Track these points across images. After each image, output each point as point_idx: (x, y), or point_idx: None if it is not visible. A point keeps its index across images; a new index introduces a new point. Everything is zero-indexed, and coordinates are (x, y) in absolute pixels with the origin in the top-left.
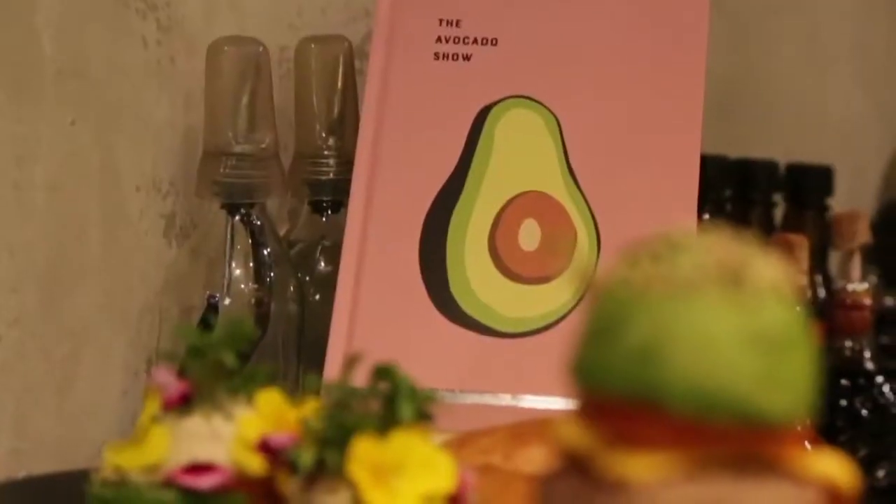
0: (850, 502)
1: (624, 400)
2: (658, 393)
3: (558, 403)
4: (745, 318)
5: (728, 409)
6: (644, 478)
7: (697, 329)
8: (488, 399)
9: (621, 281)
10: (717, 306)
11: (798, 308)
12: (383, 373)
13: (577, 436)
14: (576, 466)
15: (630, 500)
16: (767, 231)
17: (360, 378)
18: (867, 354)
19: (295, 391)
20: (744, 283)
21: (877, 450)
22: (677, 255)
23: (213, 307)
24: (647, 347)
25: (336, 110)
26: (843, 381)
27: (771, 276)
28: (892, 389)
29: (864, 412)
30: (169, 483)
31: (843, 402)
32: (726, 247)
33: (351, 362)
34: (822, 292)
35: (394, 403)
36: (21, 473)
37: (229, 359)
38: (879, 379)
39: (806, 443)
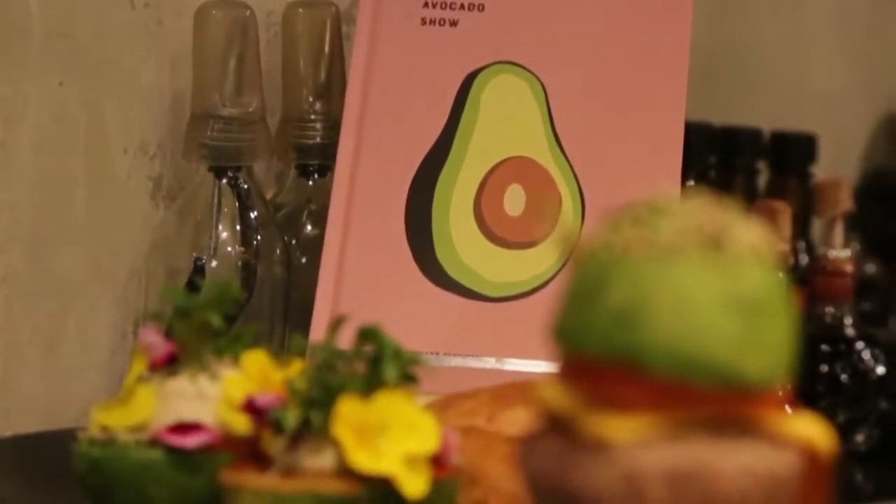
0: (827, 465)
1: (604, 362)
2: (638, 355)
3: (542, 367)
4: (725, 282)
5: (707, 372)
6: (624, 439)
7: (677, 292)
8: (472, 362)
9: (603, 244)
10: (698, 270)
11: (778, 273)
12: (368, 335)
13: (558, 397)
14: (557, 427)
15: (610, 460)
16: (751, 198)
17: (345, 340)
18: (848, 321)
19: (281, 353)
20: (725, 248)
21: (856, 415)
22: (659, 219)
23: (199, 269)
24: (627, 310)
25: (323, 75)
26: (824, 347)
27: (752, 240)
28: (872, 356)
29: (844, 378)
30: (155, 442)
31: (824, 368)
32: (708, 212)
33: (336, 324)
34: (804, 259)
35: (378, 365)
36: (8, 433)
37: (215, 320)
38: (860, 345)
39: (785, 406)
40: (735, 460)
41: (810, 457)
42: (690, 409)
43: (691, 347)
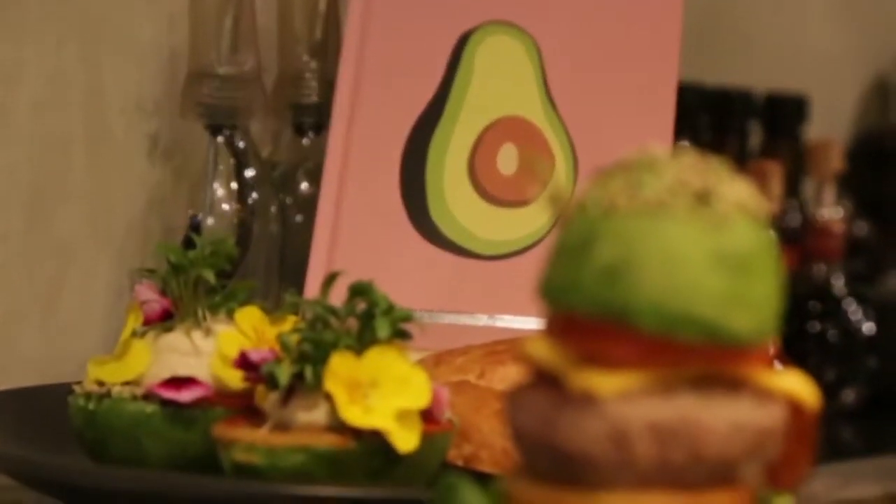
0: (813, 419)
1: (592, 318)
2: (626, 311)
3: (534, 324)
4: (713, 238)
5: (694, 328)
6: (611, 393)
7: (665, 248)
8: (465, 319)
9: (591, 201)
10: (686, 226)
11: (766, 229)
12: (361, 291)
13: (546, 352)
14: (544, 382)
15: (597, 414)
16: (743, 158)
17: (338, 297)
18: (838, 280)
19: (274, 309)
20: (713, 204)
21: (845, 373)
22: (648, 176)
23: (195, 227)
24: (615, 266)
25: (318, 33)
26: (814, 306)
27: (740, 197)
28: (861, 314)
29: (833, 336)
30: (150, 396)
31: (813, 326)
32: (697, 169)
33: (329, 281)
34: (795, 218)
35: (371, 321)
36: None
37: (210, 276)
38: (849, 304)
39: (771, 363)
40: (722, 413)
41: (796, 411)
42: (678, 364)
43: (679, 303)
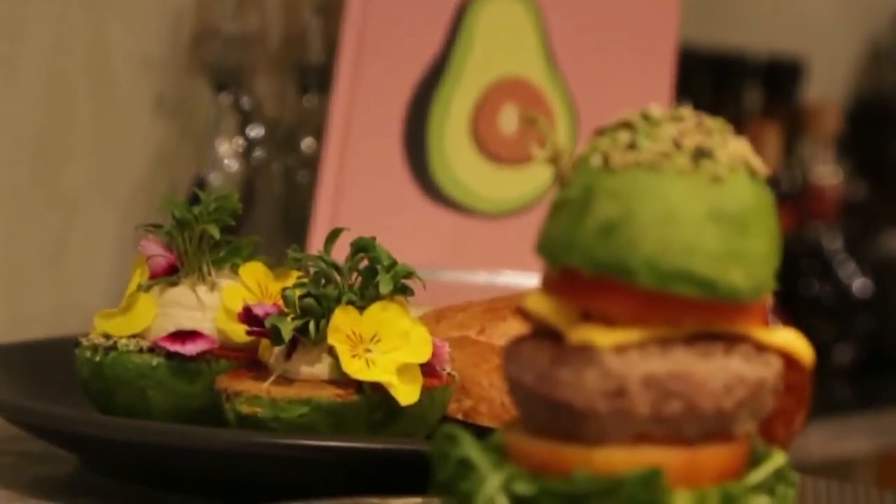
0: (808, 375)
1: (590, 274)
2: (623, 267)
3: (534, 281)
4: (710, 195)
5: (690, 284)
6: (608, 348)
7: (662, 205)
8: (466, 276)
9: (589, 158)
10: (683, 183)
11: (763, 187)
12: (363, 248)
13: (544, 308)
14: (542, 336)
15: (594, 366)
16: (741, 119)
17: (341, 253)
18: (833, 239)
19: (278, 264)
20: (710, 162)
21: (839, 330)
22: (646, 134)
23: (200, 183)
24: (612, 223)
25: None
26: (809, 264)
27: (738, 156)
28: (856, 273)
29: (828, 294)
30: (155, 349)
31: (808, 284)
32: (695, 128)
33: (332, 237)
34: (792, 179)
35: (373, 277)
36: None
37: (214, 232)
38: (844, 263)
39: (767, 318)
40: (718, 367)
41: (791, 366)
42: (675, 320)
43: (676, 259)
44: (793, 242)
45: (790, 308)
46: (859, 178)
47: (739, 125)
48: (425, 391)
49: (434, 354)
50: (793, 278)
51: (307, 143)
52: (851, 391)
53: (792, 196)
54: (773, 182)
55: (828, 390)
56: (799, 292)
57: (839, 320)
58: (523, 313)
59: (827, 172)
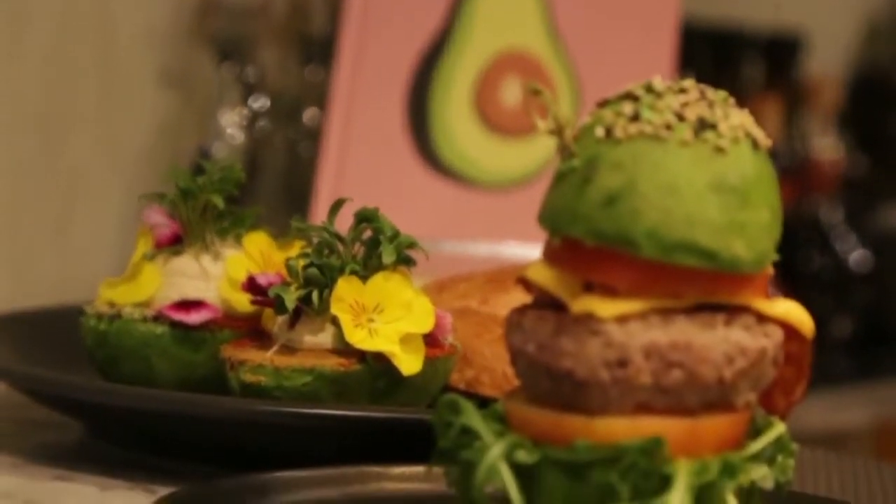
0: (808, 346)
1: (592, 244)
2: (625, 238)
3: (536, 252)
4: (711, 167)
5: (692, 254)
6: (610, 317)
7: (664, 176)
8: (469, 247)
9: (592, 130)
10: (685, 155)
11: (765, 159)
12: (366, 218)
13: (547, 278)
14: (546, 306)
15: (596, 337)
16: (742, 93)
17: (344, 223)
18: (833, 213)
19: (281, 234)
20: (712, 134)
21: (837, 304)
22: (649, 104)
23: (204, 154)
24: (614, 193)
25: None
26: (809, 238)
27: (739, 128)
28: (855, 246)
29: (827, 268)
30: (159, 318)
31: (807, 258)
32: (698, 99)
33: (335, 207)
34: (792, 152)
35: (376, 248)
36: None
37: (218, 201)
38: (844, 236)
39: (768, 289)
40: (719, 337)
41: (792, 337)
42: (677, 290)
43: (678, 230)
44: (793, 216)
45: (790, 281)
46: (859, 151)
47: (740, 99)
48: (428, 361)
49: (436, 324)
50: (793, 251)
51: (310, 115)
52: (850, 363)
53: (792, 170)
54: (773, 156)
55: (827, 363)
56: (799, 265)
57: (838, 293)
58: (525, 283)
59: (827, 146)
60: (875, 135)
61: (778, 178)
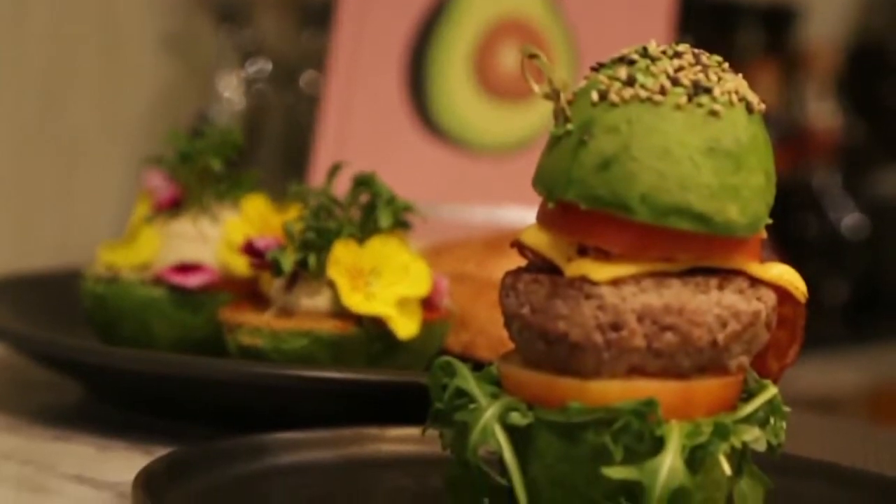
0: (801, 310)
1: (586, 207)
2: (619, 202)
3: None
4: (706, 131)
5: (686, 218)
6: (604, 281)
7: (659, 140)
8: (466, 212)
9: (587, 94)
10: (679, 118)
11: (759, 124)
12: (364, 182)
13: (542, 242)
14: (540, 270)
15: (590, 300)
16: (740, 59)
17: (341, 187)
18: (830, 179)
19: (279, 198)
20: (707, 99)
21: (833, 270)
22: (644, 68)
23: (203, 118)
24: (609, 158)
25: None
26: (805, 204)
27: (734, 91)
28: (850, 212)
29: (824, 234)
30: (158, 281)
31: (803, 224)
32: (693, 63)
33: (333, 172)
34: (790, 119)
35: (373, 211)
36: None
37: (216, 165)
38: (840, 203)
39: (761, 253)
40: (712, 301)
41: (785, 300)
42: (671, 254)
43: (672, 194)
44: (790, 182)
45: (787, 246)
46: (855, 119)
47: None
48: (424, 325)
49: (433, 288)
50: (789, 217)
51: (309, 79)
52: (845, 328)
53: (789, 136)
54: (770, 123)
55: (822, 327)
56: (795, 231)
57: (834, 258)
58: (520, 247)
59: (824, 114)
60: (871, 102)
61: (775, 145)
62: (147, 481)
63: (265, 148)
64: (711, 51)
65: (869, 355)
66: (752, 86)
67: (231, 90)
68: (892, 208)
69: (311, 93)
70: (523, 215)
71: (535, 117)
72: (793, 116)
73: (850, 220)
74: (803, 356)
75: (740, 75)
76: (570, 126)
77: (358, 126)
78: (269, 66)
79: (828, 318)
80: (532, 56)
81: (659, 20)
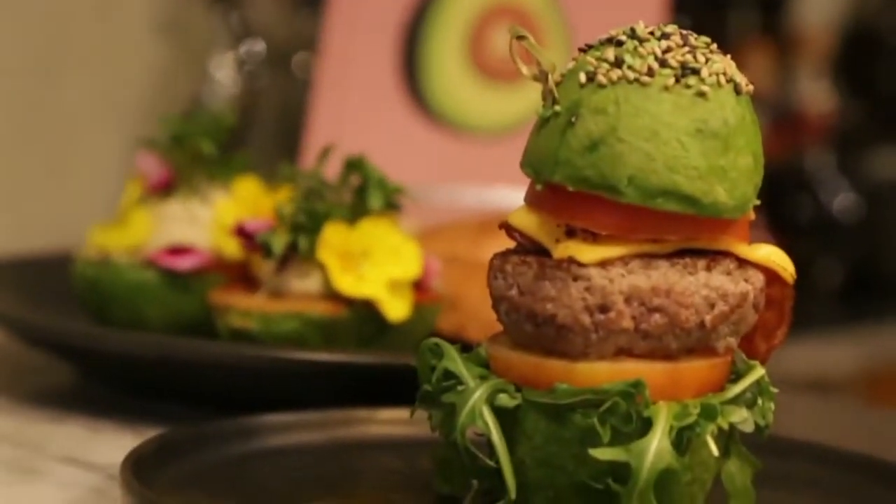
0: (789, 291)
1: (574, 189)
2: (606, 183)
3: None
4: (693, 112)
5: (673, 199)
6: (592, 262)
7: (646, 120)
8: (459, 194)
9: (575, 73)
10: (667, 99)
11: (747, 105)
12: (354, 165)
13: (530, 223)
14: (528, 252)
15: (578, 281)
16: (735, 40)
17: (332, 169)
18: (823, 160)
19: (271, 180)
20: (695, 78)
21: (829, 252)
22: (632, 50)
23: (197, 100)
24: (597, 139)
25: None
26: (801, 186)
27: (722, 73)
28: (844, 194)
29: (819, 216)
30: (149, 263)
31: (799, 206)
32: (681, 44)
33: (324, 154)
34: (784, 100)
35: (363, 194)
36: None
37: (207, 147)
38: (834, 184)
39: (750, 234)
40: (700, 282)
41: (773, 282)
42: (658, 235)
43: (660, 175)
44: (784, 164)
45: (782, 229)
46: (850, 100)
47: (732, 47)
48: (415, 307)
49: (424, 270)
50: (784, 199)
51: (303, 61)
52: (841, 310)
53: (783, 118)
54: (765, 104)
55: (818, 309)
56: (790, 213)
57: (830, 240)
58: (508, 229)
59: (818, 95)
60: (866, 83)
61: (769, 127)
62: (136, 463)
63: (258, 130)
64: (705, 32)
65: (864, 337)
66: (746, 67)
67: (225, 71)
68: (887, 189)
69: (304, 75)
70: (516, 197)
71: (529, 99)
72: (787, 98)
73: (844, 201)
74: (798, 338)
75: (728, 56)
76: (557, 107)
77: (351, 108)
78: (262, 49)
79: (823, 299)
80: (520, 37)
81: (652, 2)
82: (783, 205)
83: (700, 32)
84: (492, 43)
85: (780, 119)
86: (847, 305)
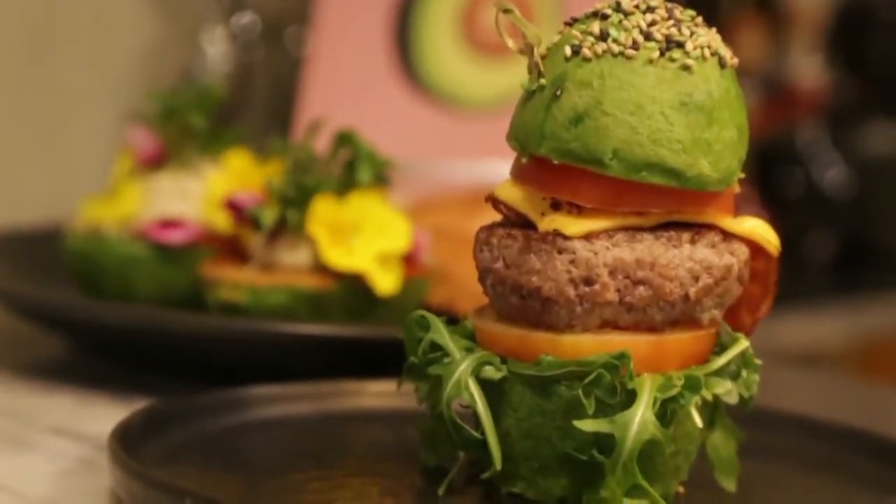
0: (774, 264)
1: (559, 162)
2: (591, 156)
3: None
4: (678, 85)
5: (658, 173)
6: (577, 235)
7: (631, 94)
8: (449, 168)
9: (561, 47)
10: (652, 73)
11: (731, 78)
12: (344, 139)
13: (515, 197)
14: (514, 225)
15: (563, 254)
16: (729, 16)
17: (322, 143)
18: (816, 135)
19: (261, 154)
20: (679, 52)
21: (822, 226)
22: (617, 23)
23: (188, 73)
24: (581, 113)
25: None
26: (792, 159)
27: (707, 46)
28: (838, 169)
29: (812, 190)
30: (140, 237)
31: (791, 181)
32: (666, 17)
33: (314, 128)
34: (777, 75)
35: (353, 167)
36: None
37: (199, 121)
38: (828, 159)
39: (734, 207)
40: (684, 254)
41: (758, 254)
42: (643, 208)
43: (644, 148)
44: (777, 139)
45: (774, 203)
46: (843, 75)
47: (725, 23)
48: (404, 280)
49: (413, 244)
50: (777, 174)
51: (295, 35)
52: (833, 283)
53: (776, 92)
54: (757, 79)
55: (810, 282)
56: (783, 188)
57: (823, 214)
58: (494, 202)
59: (811, 70)
60: (858, 58)
61: (762, 101)
62: (124, 434)
63: (251, 104)
64: (699, 7)
65: (856, 310)
66: (738, 42)
67: (217, 46)
68: (879, 164)
69: (297, 49)
70: (507, 172)
71: (520, 75)
72: (779, 73)
73: (837, 175)
74: (791, 312)
75: (713, 29)
76: (543, 81)
77: (344, 82)
78: (255, 22)
79: (815, 273)
80: (506, 11)
81: None
82: (776, 179)
83: (693, 7)
84: (484, 18)
85: (772, 94)
86: (839, 279)
